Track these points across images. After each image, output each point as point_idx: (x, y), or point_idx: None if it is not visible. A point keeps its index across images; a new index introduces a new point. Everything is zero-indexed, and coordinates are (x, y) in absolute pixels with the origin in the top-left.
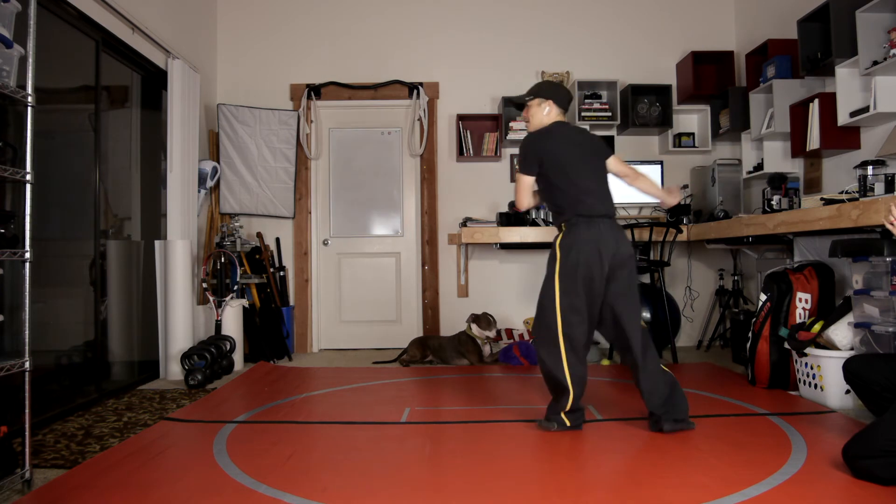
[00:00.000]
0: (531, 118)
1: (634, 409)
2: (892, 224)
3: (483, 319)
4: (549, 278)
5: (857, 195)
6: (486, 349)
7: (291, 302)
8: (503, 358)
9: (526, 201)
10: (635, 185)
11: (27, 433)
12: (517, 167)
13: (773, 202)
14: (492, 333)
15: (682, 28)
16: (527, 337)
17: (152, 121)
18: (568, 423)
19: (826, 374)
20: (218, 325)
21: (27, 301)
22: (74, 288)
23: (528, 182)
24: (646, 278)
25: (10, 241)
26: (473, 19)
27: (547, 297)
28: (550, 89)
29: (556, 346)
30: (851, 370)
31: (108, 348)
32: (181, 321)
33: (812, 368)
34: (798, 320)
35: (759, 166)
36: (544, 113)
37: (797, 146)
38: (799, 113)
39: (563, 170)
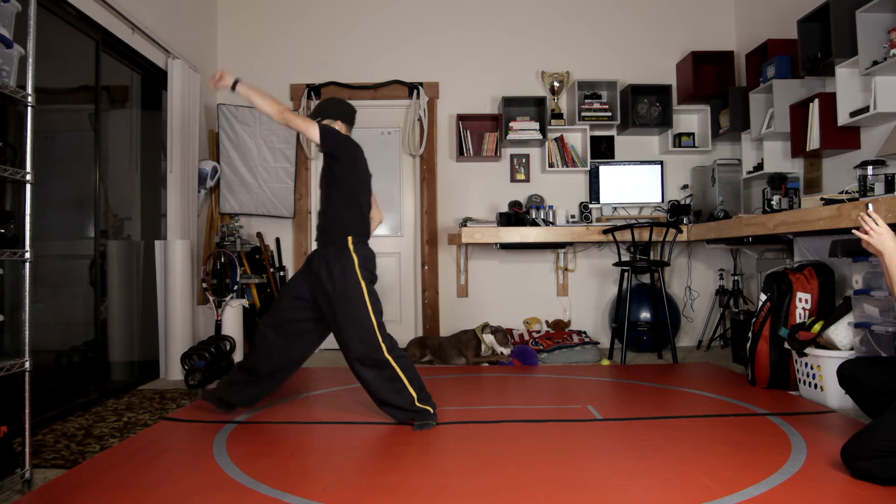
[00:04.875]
0: None
1: (634, 410)
2: (867, 234)
3: (502, 334)
4: (356, 284)
5: (857, 195)
6: (488, 353)
7: None
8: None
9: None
10: None
11: (27, 433)
12: (321, 130)
13: (773, 202)
14: (506, 350)
15: (682, 28)
16: (527, 337)
17: (152, 121)
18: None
19: (826, 374)
20: (218, 325)
21: (27, 301)
22: (74, 288)
23: (314, 136)
24: (646, 278)
25: (10, 241)
26: (473, 19)
27: (362, 306)
28: (336, 108)
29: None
30: (846, 374)
31: (108, 348)
32: (181, 321)
33: (812, 368)
34: (798, 320)
35: (759, 166)
36: None
37: (797, 146)
38: (799, 113)
39: (367, 188)
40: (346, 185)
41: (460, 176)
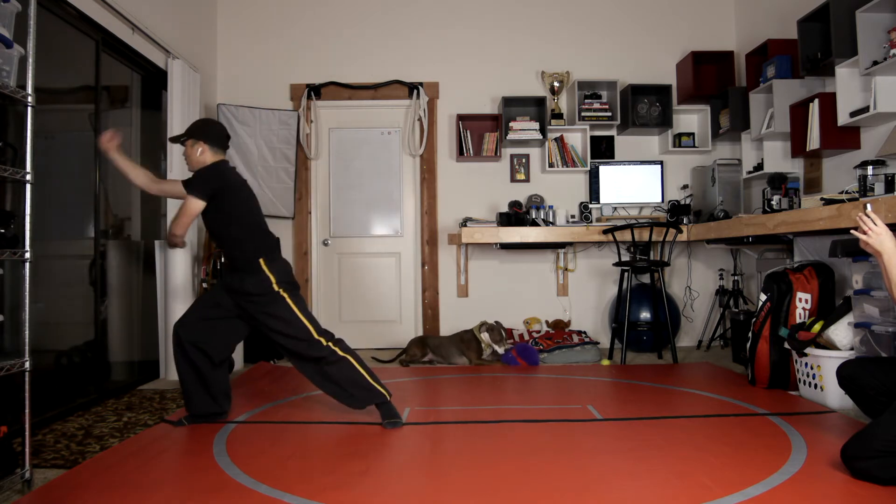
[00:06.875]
0: (188, 158)
1: (634, 410)
2: (865, 233)
3: (496, 332)
4: (281, 299)
5: (857, 195)
6: (488, 352)
7: None
8: (504, 359)
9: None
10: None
11: (27, 433)
12: (193, 192)
13: (773, 202)
14: (500, 349)
15: (682, 28)
16: (527, 337)
17: (152, 121)
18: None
19: (826, 374)
20: None
21: (27, 301)
22: (74, 288)
23: (199, 207)
24: (646, 278)
25: (10, 241)
26: (473, 19)
27: (293, 315)
28: (201, 130)
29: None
30: (845, 375)
31: (108, 348)
32: None
33: (812, 368)
34: (798, 320)
35: (759, 166)
36: (198, 154)
37: (797, 146)
38: (799, 113)
39: (254, 200)
40: (236, 216)
41: (460, 176)
